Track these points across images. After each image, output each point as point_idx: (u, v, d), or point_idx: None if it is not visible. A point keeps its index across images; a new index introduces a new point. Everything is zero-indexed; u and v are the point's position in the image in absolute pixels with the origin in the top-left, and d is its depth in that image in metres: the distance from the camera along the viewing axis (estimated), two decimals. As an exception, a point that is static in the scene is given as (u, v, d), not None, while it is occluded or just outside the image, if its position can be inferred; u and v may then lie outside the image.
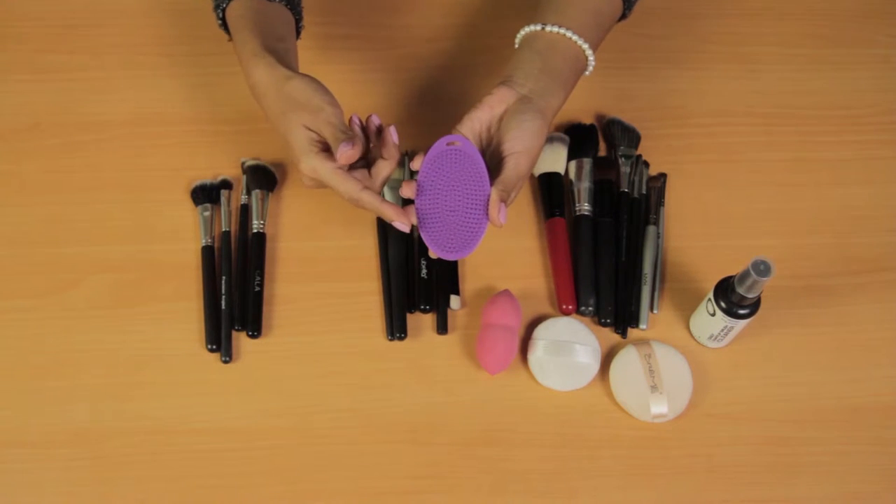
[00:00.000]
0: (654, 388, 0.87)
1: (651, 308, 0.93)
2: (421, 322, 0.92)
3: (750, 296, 0.83)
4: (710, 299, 0.86)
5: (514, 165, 0.82)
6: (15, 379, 0.87)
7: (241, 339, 0.90)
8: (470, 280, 0.94)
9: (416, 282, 0.92)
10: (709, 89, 1.05)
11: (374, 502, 0.84)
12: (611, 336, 0.92)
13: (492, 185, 0.82)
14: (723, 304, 0.85)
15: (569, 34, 0.86)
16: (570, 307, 0.92)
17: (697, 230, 0.97)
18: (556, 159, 0.98)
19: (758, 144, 1.02)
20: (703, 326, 0.89)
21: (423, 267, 0.92)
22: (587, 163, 0.98)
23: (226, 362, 0.88)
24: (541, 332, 0.90)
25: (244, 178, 0.96)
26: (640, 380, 0.88)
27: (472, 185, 0.83)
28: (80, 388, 0.87)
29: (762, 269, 0.80)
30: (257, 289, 0.91)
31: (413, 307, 0.92)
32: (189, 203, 0.96)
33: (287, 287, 0.92)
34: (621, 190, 0.97)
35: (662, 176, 0.99)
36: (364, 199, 0.82)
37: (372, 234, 0.95)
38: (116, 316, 0.90)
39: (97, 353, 0.88)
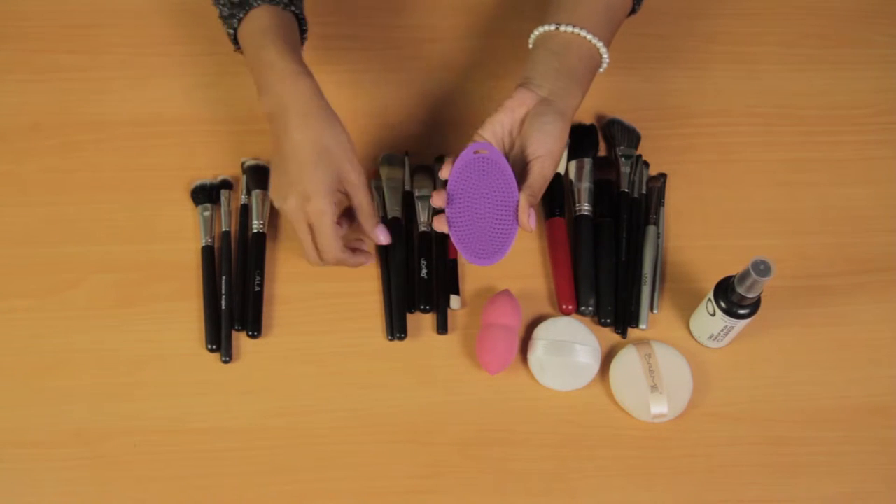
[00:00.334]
0: (654, 388, 0.87)
1: (651, 308, 0.93)
2: (421, 322, 0.92)
3: (750, 296, 0.83)
4: (710, 299, 0.86)
5: (540, 169, 0.83)
6: (15, 379, 0.87)
7: (241, 339, 0.90)
8: (470, 280, 0.94)
9: (416, 282, 0.92)
10: (709, 89, 1.05)
11: (374, 502, 0.84)
12: (611, 336, 0.92)
13: (518, 189, 0.82)
14: (723, 304, 0.85)
15: (583, 33, 0.86)
16: (570, 307, 0.92)
17: (697, 230, 0.97)
18: (556, 159, 0.98)
19: (758, 144, 1.02)
20: (703, 326, 0.89)
21: (423, 267, 0.92)
22: (587, 163, 0.98)
23: (226, 362, 0.88)
24: (541, 332, 0.90)
25: (244, 178, 0.96)
26: (640, 380, 0.88)
27: (501, 191, 0.83)
28: (80, 387, 0.87)
29: (762, 269, 0.80)
30: (257, 289, 0.91)
31: (413, 307, 0.92)
32: (189, 203, 0.96)
33: (287, 287, 0.92)
34: (621, 190, 0.97)
35: (662, 176, 0.99)
36: (345, 260, 0.86)
37: (372, 234, 0.95)
38: (116, 316, 0.90)
39: (97, 353, 0.88)
